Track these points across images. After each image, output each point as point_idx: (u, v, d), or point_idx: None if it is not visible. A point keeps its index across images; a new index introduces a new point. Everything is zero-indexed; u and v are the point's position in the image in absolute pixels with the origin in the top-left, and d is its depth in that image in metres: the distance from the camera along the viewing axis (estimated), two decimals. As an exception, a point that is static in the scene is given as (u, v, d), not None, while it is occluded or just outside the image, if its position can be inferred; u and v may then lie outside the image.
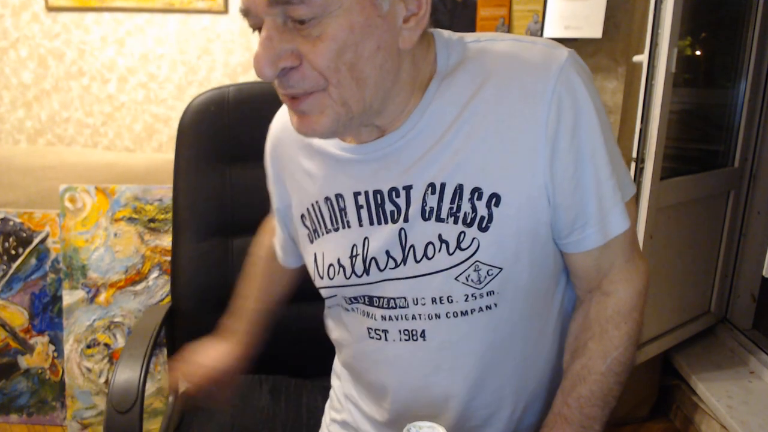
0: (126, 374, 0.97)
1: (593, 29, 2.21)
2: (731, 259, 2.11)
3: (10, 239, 1.88)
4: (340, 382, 0.88)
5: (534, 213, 0.64)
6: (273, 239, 0.93)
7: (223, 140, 1.20)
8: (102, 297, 1.83)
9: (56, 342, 1.91)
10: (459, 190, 0.63)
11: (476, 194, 0.63)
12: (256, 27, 0.61)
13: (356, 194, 0.68)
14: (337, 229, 0.71)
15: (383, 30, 0.59)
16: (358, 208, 0.68)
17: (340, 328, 0.79)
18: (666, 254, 1.81)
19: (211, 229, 1.22)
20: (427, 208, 0.65)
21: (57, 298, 1.89)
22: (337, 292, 0.73)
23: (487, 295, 0.66)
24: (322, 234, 0.73)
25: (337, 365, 0.90)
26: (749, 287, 2.12)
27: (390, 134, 0.66)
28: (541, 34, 2.26)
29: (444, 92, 0.65)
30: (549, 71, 0.62)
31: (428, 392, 0.72)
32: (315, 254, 0.74)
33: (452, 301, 0.66)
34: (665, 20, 1.54)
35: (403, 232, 0.66)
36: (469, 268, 0.65)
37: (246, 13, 0.60)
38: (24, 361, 1.92)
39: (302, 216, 0.76)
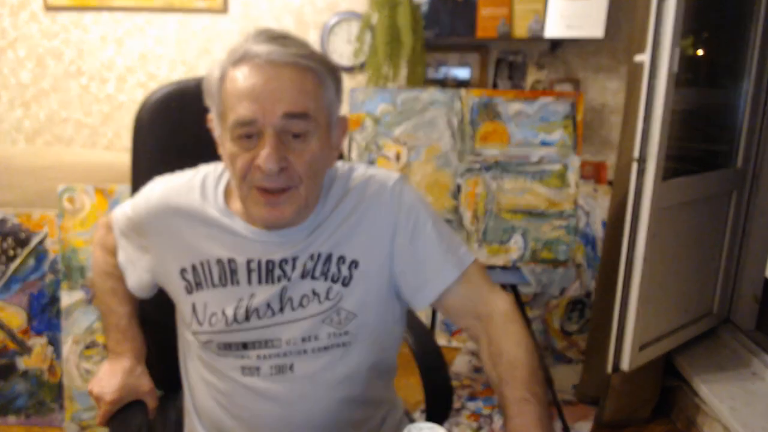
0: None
1: (595, 28, 2.20)
2: (734, 260, 2.10)
3: (8, 240, 1.87)
4: (199, 419, 0.96)
5: (381, 274, 0.90)
6: (118, 260, 1.01)
7: (183, 137, 1.11)
8: (100, 298, 1.82)
9: (55, 343, 1.90)
10: (329, 257, 0.88)
11: (341, 260, 0.88)
12: (249, 135, 0.79)
13: (249, 261, 0.87)
14: (224, 285, 0.88)
15: (330, 151, 0.87)
16: (249, 271, 0.87)
17: (208, 371, 0.91)
18: (668, 255, 1.80)
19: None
20: (307, 270, 0.88)
21: (55, 299, 1.88)
22: (214, 338, 0.88)
23: (344, 334, 0.88)
24: (207, 287, 0.89)
25: (192, 406, 0.97)
26: (752, 288, 2.11)
27: (300, 226, 0.88)
28: (543, 34, 2.25)
29: (327, 197, 0.91)
30: (389, 185, 0.92)
31: (294, 419, 0.88)
32: (194, 304, 0.89)
33: (317, 338, 0.87)
34: (667, 19, 1.53)
35: (285, 289, 0.87)
36: (333, 312, 0.87)
37: (249, 122, 0.78)
38: (22, 363, 1.91)
39: (182, 270, 0.90)
